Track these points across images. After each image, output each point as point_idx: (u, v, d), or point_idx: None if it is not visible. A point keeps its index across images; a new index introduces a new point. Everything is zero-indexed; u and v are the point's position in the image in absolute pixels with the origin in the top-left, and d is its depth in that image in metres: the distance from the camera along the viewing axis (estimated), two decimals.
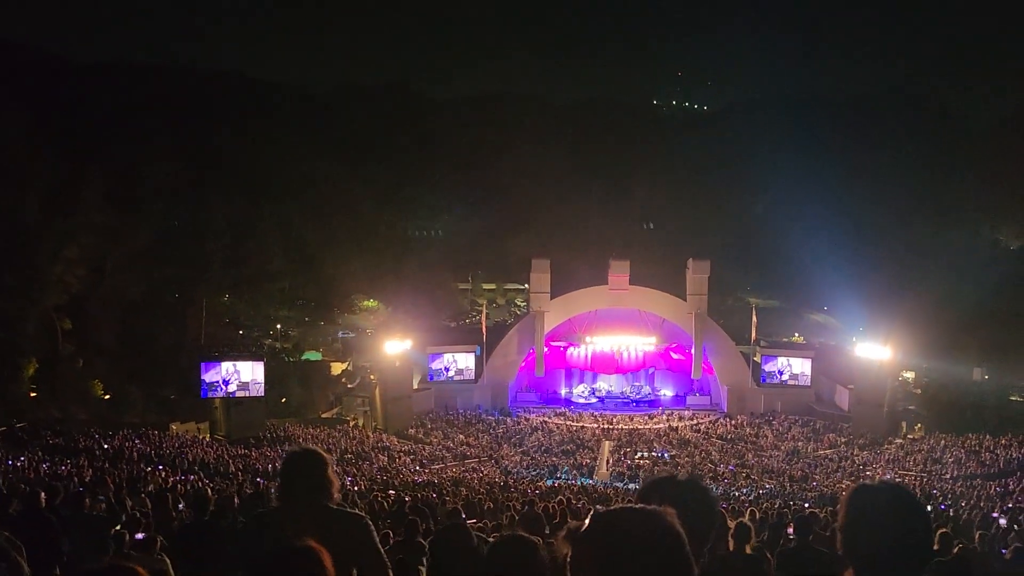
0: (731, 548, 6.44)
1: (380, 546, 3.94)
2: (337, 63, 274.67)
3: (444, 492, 22.41)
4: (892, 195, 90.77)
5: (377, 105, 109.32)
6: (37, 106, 66.32)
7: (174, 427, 38.40)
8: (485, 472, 35.01)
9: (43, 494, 8.48)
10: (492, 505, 18.70)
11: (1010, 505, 22.13)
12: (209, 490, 17.07)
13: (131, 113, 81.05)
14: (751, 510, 17.15)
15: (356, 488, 22.12)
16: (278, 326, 70.57)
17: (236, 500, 12.59)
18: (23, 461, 23.69)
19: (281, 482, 4.03)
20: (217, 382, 39.53)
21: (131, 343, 49.17)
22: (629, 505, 1.99)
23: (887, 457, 38.09)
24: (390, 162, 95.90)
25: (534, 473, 36.02)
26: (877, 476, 32.71)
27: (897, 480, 30.97)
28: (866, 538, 2.41)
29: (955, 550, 7.78)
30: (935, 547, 7.70)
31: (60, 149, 53.05)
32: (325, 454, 4.01)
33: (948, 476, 33.58)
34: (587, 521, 1.94)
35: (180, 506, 13.15)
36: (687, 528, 2.66)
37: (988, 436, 38.61)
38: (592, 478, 35.75)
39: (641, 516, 1.92)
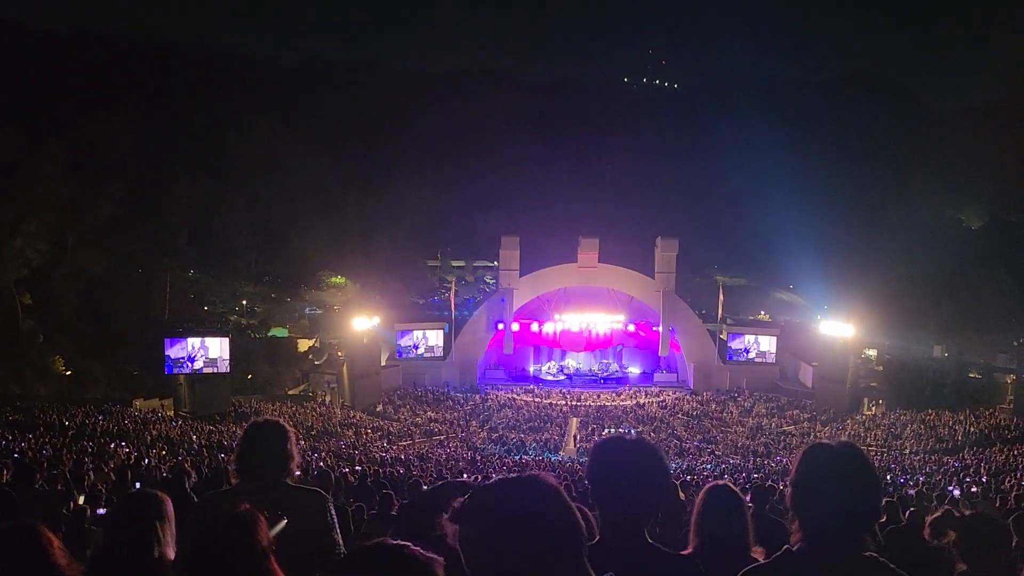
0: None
1: (335, 524, 3.88)
2: (306, 37, 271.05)
3: (411, 468, 22.41)
4: (858, 176, 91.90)
5: (346, 80, 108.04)
6: None
7: (137, 403, 37.93)
8: (453, 448, 35.09)
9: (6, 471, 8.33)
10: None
11: (966, 479, 22.64)
12: (187, 465, 16.95)
13: (93, 83, 79.07)
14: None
15: (322, 464, 22.02)
16: (244, 302, 69.89)
17: (192, 475, 12.45)
18: None
19: (239, 455, 3.94)
20: (183, 358, 39.06)
21: (93, 318, 48.45)
22: (507, 476, 1.99)
23: (848, 433, 38.73)
24: (358, 138, 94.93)
25: (502, 449, 36.18)
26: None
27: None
28: (815, 493, 2.44)
29: (905, 516, 7.91)
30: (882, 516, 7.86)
31: (18, 119, 51.80)
32: (287, 426, 3.93)
33: (908, 451, 34.28)
34: (466, 498, 1.93)
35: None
36: (639, 486, 2.69)
37: (947, 412, 39.43)
38: (559, 454, 35.98)
39: (519, 484, 1.92)
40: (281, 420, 4.08)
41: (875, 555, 2.41)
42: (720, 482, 3.71)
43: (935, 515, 5.86)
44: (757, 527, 3.84)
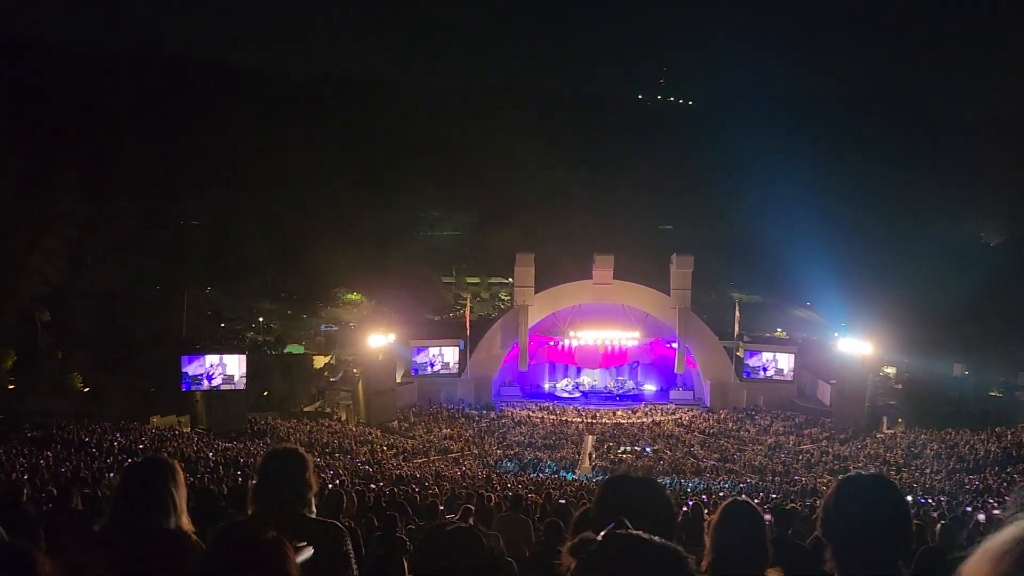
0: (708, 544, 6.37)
1: (351, 557, 3.83)
2: (320, 54, 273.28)
3: (426, 486, 22.31)
4: (875, 192, 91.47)
5: (360, 97, 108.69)
6: (11, 92, 65.51)
7: (154, 420, 38.08)
8: (468, 466, 34.95)
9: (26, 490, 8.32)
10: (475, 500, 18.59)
11: (989, 500, 22.30)
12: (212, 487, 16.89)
13: (109, 101, 79.98)
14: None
15: (337, 482, 21.96)
16: (260, 319, 70.16)
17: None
18: (1, 454, 23.38)
19: (258, 486, 3.88)
20: (200, 375, 39.20)
21: (111, 335, 48.74)
22: (639, 534, 1.92)
23: (867, 452, 38.30)
24: (373, 155, 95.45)
25: (517, 467, 36.00)
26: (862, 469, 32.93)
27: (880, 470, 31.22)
28: (847, 519, 2.47)
29: (936, 537, 7.78)
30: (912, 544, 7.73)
31: (36, 137, 52.38)
32: (306, 454, 3.86)
33: (928, 471, 33.84)
34: (600, 539, 1.87)
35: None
36: (645, 524, 2.63)
37: (967, 431, 38.93)
38: (575, 472, 35.76)
39: (655, 546, 1.84)
40: (300, 448, 4.02)
41: None
42: (741, 498, 3.64)
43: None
44: (778, 550, 3.77)
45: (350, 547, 3.83)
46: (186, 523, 3.34)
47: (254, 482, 3.93)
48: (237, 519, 5.45)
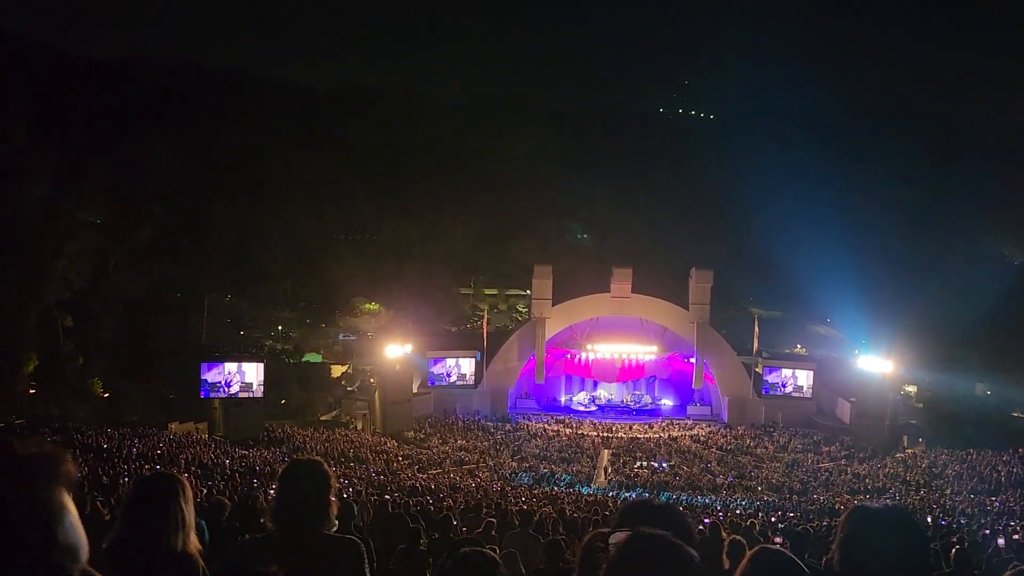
0: (726, 567, 6.32)
1: (368, 572, 3.77)
2: (341, 64, 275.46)
3: (441, 498, 22.27)
4: (897, 208, 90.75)
5: (380, 107, 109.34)
6: (40, 101, 66.46)
7: (173, 426, 38.34)
8: (483, 478, 34.87)
9: None
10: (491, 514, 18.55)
11: (1010, 523, 21.96)
12: (224, 498, 16.92)
13: (134, 109, 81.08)
14: (751, 522, 17.05)
15: (351, 491, 21.98)
16: (279, 327, 70.56)
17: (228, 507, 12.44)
18: None
19: (278, 505, 3.73)
20: (220, 382, 39.48)
21: (132, 341, 49.19)
22: (664, 534, 1.94)
23: (887, 471, 37.87)
24: (392, 165, 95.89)
25: (532, 480, 35.87)
26: (875, 497, 32.55)
27: (894, 500, 30.87)
28: (865, 558, 2.43)
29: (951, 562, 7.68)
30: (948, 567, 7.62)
31: (63, 144, 53.10)
32: (327, 470, 3.72)
33: (948, 491, 33.39)
34: (627, 537, 1.91)
35: None
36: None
37: (989, 451, 38.42)
38: (590, 486, 35.58)
39: (678, 546, 1.91)
40: (321, 461, 3.92)
41: None
42: (772, 546, 3.28)
43: None
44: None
45: (367, 564, 3.78)
46: (193, 542, 3.28)
47: (273, 496, 3.86)
48: (245, 538, 5.39)
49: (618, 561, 1.86)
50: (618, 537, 1.90)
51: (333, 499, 3.71)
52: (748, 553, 2.88)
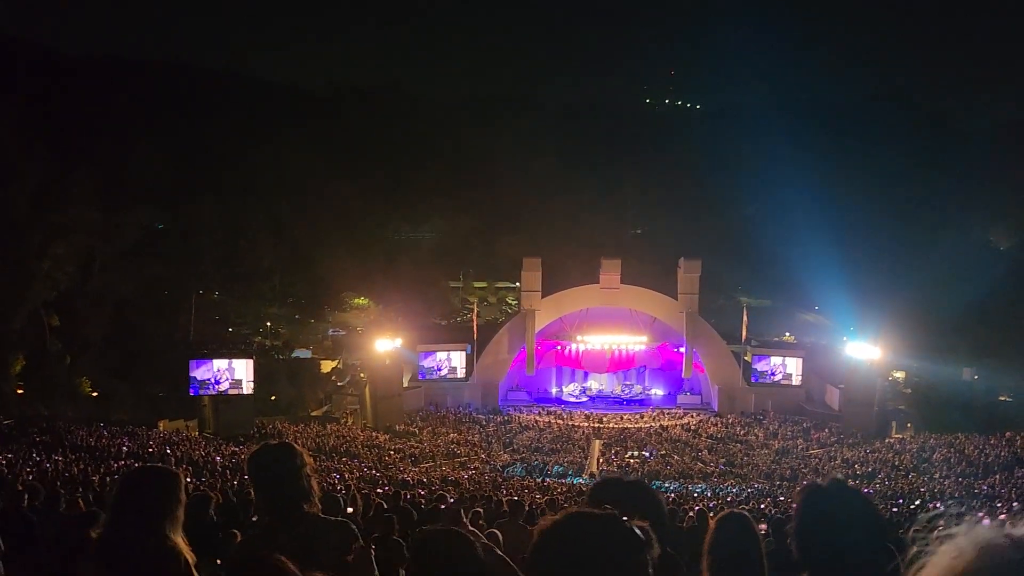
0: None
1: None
2: (329, 62, 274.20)
3: (433, 490, 22.32)
4: (884, 196, 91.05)
5: (368, 104, 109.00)
6: (27, 100, 66.02)
7: (162, 424, 38.23)
8: (474, 470, 34.94)
9: (27, 495, 8.36)
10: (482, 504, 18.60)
11: (998, 505, 22.18)
12: (209, 492, 16.89)
13: (122, 109, 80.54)
14: (741, 508, 17.16)
15: (342, 488, 21.99)
16: (268, 324, 70.36)
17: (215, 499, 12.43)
18: (10, 458, 23.49)
19: (255, 495, 3.71)
20: (209, 379, 39.36)
21: (120, 340, 48.99)
22: (583, 511, 1.88)
23: (876, 457, 38.14)
24: (381, 161, 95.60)
25: (524, 471, 35.97)
26: (864, 483, 32.76)
27: (846, 478, 31.09)
28: (819, 541, 2.41)
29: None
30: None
31: (50, 144, 52.75)
32: (297, 450, 3.63)
33: (936, 475, 33.67)
34: (547, 524, 1.83)
35: None
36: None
37: (977, 436, 38.73)
38: (582, 476, 35.71)
39: (597, 522, 1.81)
40: (290, 441, 3.84)
41: None
42: (736, 510, 3.55)
43: None
44: (775, 563, 3.68)
45: (361, 543, 3.76)
46: (180, 536, 3.26)
47: (252, 487, 3.81)
48: (245, 536, 5.34)
49: (544, 541, 1.80)
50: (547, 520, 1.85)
51: (313, 477, 3.66)
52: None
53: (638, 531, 1.79)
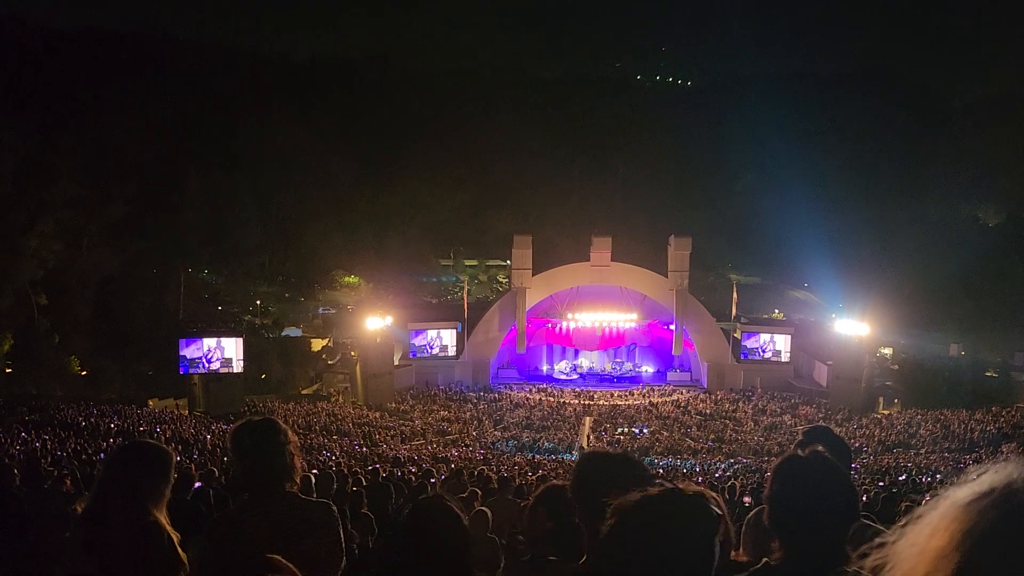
0: None
1: (342, 536, 3.76)
2: (316, 34, 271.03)
3: (423, 467, 22.37)
4: (873, 172, 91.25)
5: (357, 77, 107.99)
6: (6, 73, 65.10)
7: (152, 403, 38.16)
8: (466, 447, 35.06)
9: (16, 471, 8.29)
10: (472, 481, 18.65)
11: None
12: (193, 467, 16.87)
13: (104, 82, 79.48)
14: (731, 483, 17.28)
15: (333, 467, 22.02)
16: (258, 302, 70.14)
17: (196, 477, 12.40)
18: None
19: (239, 468, 3.65)
20: (199, 358, 39.22)
21: (108, 318, 48.74)
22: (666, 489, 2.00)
23: (864, 432, 38.47)
24: (370, 136, 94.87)
25: (514, 448, 36.12)
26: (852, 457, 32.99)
27: (869, 460, 31.39)
28: (788, 508, 2.44)
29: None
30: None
31: (32, 119, 52.11)
32: (279, 426, 3.59)
33: (923, 450, 34.02)
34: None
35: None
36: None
37: (963, 411, 39.09)
38: (572, 453, 35.89)
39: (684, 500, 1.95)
40: (272, 418, 3.79)
41: (858, 571, 2.34)
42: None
43: None
44: (756, 534, 3.73)
45: (341, 528, 3.76)
46: (163, 514, 3.25)
47: (236, 464, 3.77)
48: (224, 512, 5.33)
49: (626, 517, 1.90)
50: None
51: (297, 455, 3.63)
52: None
53: (716, 509, 1.91)
